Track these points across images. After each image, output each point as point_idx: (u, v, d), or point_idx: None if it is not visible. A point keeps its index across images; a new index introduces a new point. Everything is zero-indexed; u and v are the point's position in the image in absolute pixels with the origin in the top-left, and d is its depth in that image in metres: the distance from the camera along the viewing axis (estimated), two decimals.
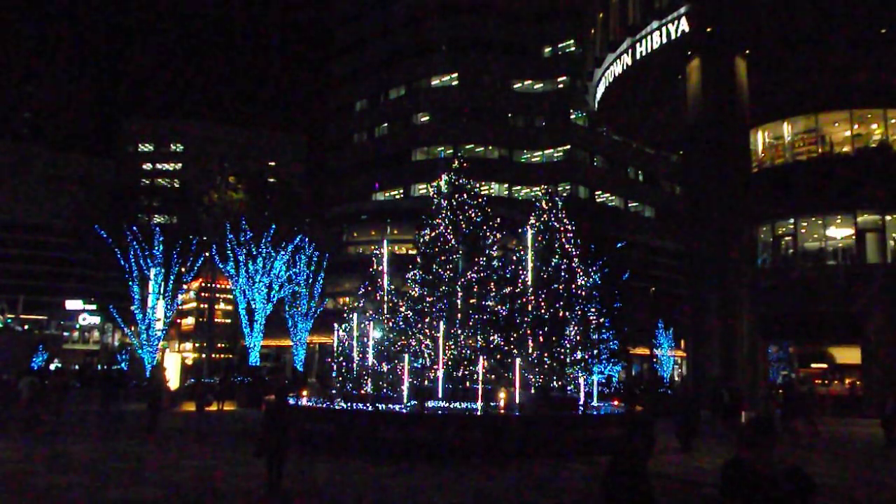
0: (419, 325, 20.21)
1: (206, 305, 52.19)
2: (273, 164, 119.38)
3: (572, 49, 68.95)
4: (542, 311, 19.96)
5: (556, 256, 20.64)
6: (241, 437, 18.98)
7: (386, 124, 76.46)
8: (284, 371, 44.91)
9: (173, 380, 38.84)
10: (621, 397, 26.30)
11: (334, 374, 21.54)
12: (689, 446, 18.18)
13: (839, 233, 35.46)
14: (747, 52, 31.83)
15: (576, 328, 20.18)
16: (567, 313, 20.12)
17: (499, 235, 21.55)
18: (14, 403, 24.10)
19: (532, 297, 20.03)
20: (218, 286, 50.11)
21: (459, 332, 19.93)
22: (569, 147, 70.40)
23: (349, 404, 18.59)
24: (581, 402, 19.42)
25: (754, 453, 4.65)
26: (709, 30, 31.01)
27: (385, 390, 19.72)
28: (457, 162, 21.64)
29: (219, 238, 39.23)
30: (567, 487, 12.88)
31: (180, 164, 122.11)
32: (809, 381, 33.44)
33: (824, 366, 35.35)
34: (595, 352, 21.66)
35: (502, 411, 18.07)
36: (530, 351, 19.63)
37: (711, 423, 23.57)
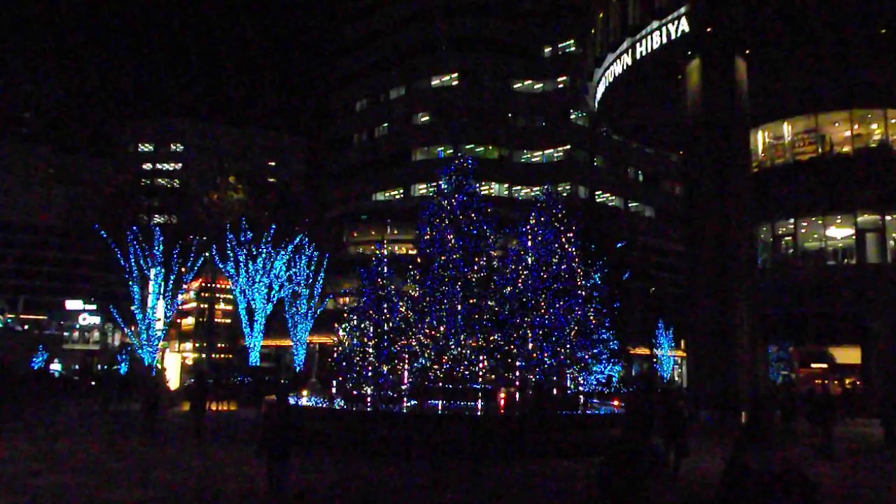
0: (419, 325, 20.21)
1: (206, 305, 52.13)
2: (273, 164, 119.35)
3: (572, 49, 68.91)
4: (542, 311, 19.96)
5: (556, 256, 20.63)
6: (240, 437, 18.98)
7: (386, 124, 76.43)
8: (283, 373, 44.89)
9: (173, 380, 38.87)
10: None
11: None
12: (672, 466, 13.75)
13: (839, 233, 35.47)
14: (747, 52, 31.80)
15: (576, 328, 20.17)
16: (567, 313, 20.11)
17: (499, 235, 21.56)
18: None
19: (532, 297, 20.03)
20: (218, 286, 50.09)
21: (459, 332, 19.93)
22: (569, 147, 70.34)
23: (349, 404, 18.60)
24: (581, 402, 19.44)
25: (754, 454, 4.66)
26: (709, 30, 30.99)
27: (385, 390, 19.71)
28: (457, 162, 21.65)
29: (219, 238, 39.19)
30: (566, 487, 12.88)
31: (180, 164, 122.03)
32: (809, 381, 33.45)
33: (824, 366, 35.36)
34: (595, 352, 21.64)
35: (502, 411, 18.07)
36: (530, 351, 19.63)
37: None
